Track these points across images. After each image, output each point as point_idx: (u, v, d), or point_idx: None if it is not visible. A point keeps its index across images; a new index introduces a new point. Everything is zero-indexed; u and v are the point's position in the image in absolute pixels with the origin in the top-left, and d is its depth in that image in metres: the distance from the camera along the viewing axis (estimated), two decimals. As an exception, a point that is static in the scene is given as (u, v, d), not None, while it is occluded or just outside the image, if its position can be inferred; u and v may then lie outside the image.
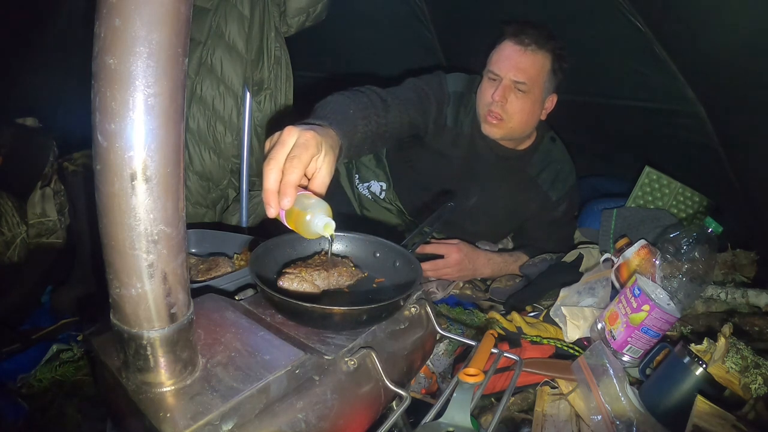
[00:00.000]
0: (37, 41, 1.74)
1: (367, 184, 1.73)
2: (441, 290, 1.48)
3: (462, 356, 1.14)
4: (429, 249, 1.49)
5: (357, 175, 1.76)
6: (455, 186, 1.58)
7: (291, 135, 0.78)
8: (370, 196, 1.72)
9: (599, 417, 0.91)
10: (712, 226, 1.14)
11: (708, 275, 1.15)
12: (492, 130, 1.45)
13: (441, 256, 1.48)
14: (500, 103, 1.39)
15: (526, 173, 1.58)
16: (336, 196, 1.73)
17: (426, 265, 1.46)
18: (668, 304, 1.05)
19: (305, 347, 0.70)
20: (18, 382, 1.17)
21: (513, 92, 1.39)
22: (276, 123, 1.55)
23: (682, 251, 1.14)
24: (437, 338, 0.94)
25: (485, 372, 0.79)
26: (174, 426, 0.55)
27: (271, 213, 0.75)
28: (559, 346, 1.13)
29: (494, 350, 0.86)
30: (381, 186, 1.73)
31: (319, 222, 0.73)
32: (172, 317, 0.56)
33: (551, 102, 1.48)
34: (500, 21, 1.46)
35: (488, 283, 1.56)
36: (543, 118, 1.51)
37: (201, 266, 1.04)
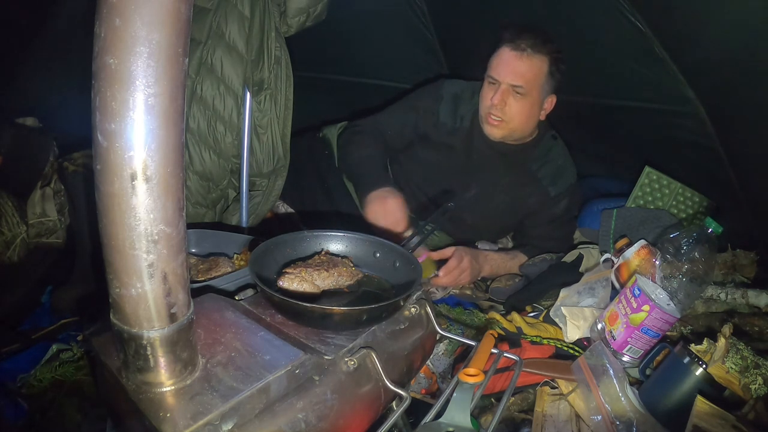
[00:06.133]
0: (37, 41, 1.74)
1: None
2: (441, 290, 1.48)
3: (462, 356, 1.14)
4: (435, 255, 1.45)
5: None
6: (456, 177, 1.61)
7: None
8: None
9: (599, 417, 0.91)
10: (712, 226, 1.14)
11: (708, 275, 1.15)
12: (493, 131, 1.52)
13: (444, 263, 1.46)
14: (499, 107, 1.45)
15: (526, 166, 1.61)
16: (338, 195, 1.74)
17: (443, 280, 1.43)
18: (668, 305, 1.05)
19: (305, 347, 0.70)
20: (18, 382, 1.17)
21: (511, 95, 1.45)
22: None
23: (682, 251, 1.14)
24: (437, 338, 0.94)
25: (485, 372, 0.79)
26: (174, 426, 0.55)
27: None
28: (559, 346, 1.13)
29: (494, 350, 0.87)
30: None
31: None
32: (172, 317, 0.56)
33: (550, 103, 1.53)
34: (499, 25, 1.49)
35: (488, 282, 1.56)
36: (542, 118, 1.55)
37: (201, 266, 1.04)
